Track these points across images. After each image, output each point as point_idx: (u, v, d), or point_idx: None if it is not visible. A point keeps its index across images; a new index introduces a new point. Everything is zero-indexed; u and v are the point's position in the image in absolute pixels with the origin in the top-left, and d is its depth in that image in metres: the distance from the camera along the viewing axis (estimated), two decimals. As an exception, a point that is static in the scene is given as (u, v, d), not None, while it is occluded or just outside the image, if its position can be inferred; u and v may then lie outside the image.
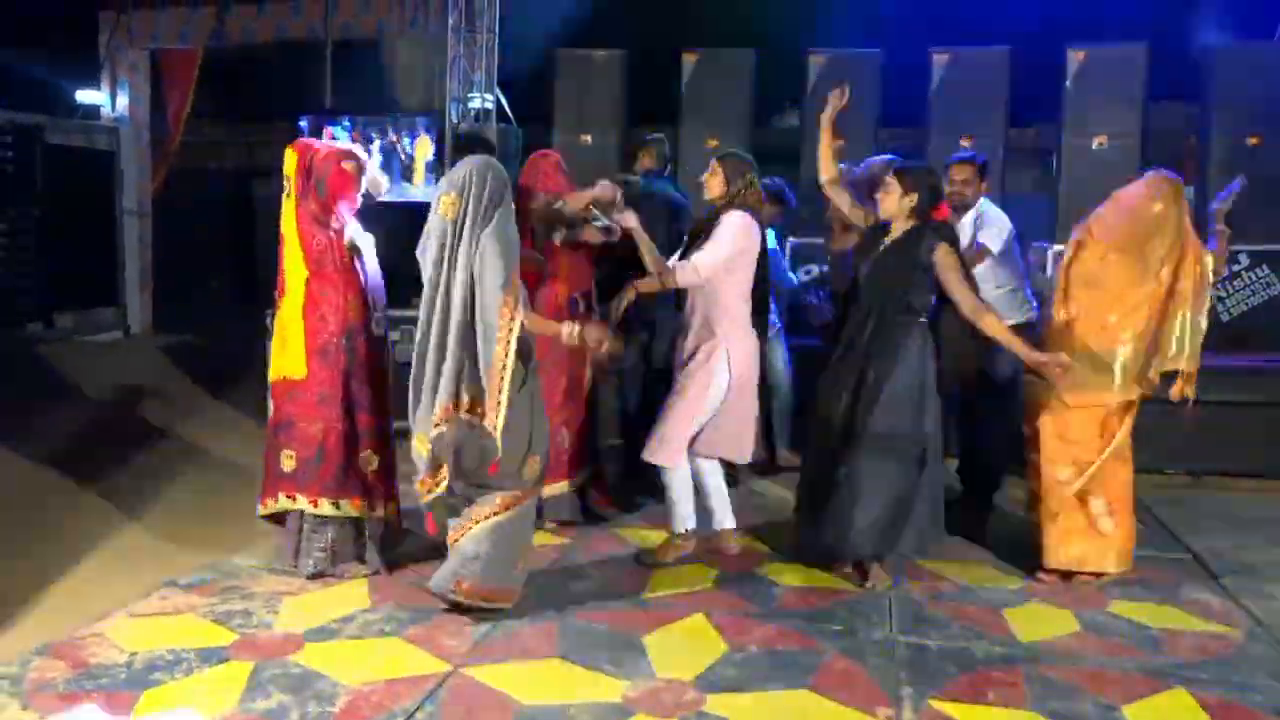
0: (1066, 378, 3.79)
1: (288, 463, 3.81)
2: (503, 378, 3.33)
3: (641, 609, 3.66)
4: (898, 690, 3.05)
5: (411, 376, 3.45)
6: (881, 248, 3.86)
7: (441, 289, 3.39)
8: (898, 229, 3.84)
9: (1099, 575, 3.96)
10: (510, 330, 3.32)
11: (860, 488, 3.74)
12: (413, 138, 7.11)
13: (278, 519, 3.95)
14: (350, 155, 3.88)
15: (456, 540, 3.49)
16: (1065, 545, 3.95)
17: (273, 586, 3.80)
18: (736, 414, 4.05)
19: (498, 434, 3.34)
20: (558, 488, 4.41)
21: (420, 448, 3.43)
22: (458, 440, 3.38)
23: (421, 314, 3.45)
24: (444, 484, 3.43)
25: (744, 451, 4.15)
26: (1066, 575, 3.98)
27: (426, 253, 3.45)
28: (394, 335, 4.25)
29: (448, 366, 3.37)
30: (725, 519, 4.20)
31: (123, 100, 9.13)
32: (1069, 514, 3.94)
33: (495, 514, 3.45)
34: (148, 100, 9.38)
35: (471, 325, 3.37)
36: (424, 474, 3.46)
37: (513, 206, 3.48)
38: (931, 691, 3.04)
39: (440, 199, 3.42)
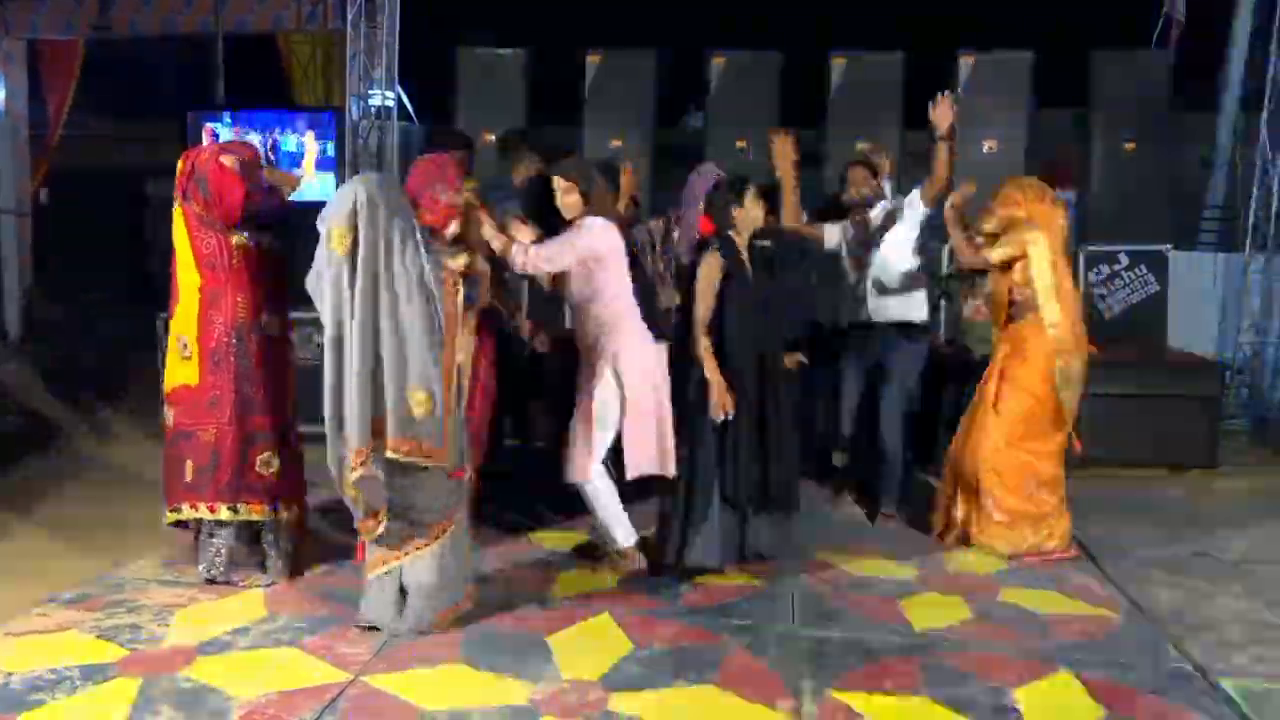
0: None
1: (189, 472, 3.71)
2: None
3: (546, 610, 3.64)
4: (798, 682, 3.11)
5: (326, 416, 3.23)
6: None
7: (347, 330, 3.17)
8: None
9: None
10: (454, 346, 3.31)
11: None
12: (300, 135, 6.93)
13: (184, 524, 3.83)
14: (230, 150, 3.74)
15: (383, 568, 3.37)
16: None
17: (162, 599, 3.66)
18: (640, 426, 3.87)
19: (447, 460, 3.29)
20: None
21: (347, 491, 3.24)
22: (389, 482, 3.26)
23: (328, 357, 3.20)
24: (383, 526, 3.30)
25: (663, 465, 3.90)
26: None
27: (322, 294, 3.19)
28: (293, 336, 4.14)
29: (355, 413, 3.16)
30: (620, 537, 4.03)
31: (-2, 93, 8.68)
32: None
33: (436, 538, 3.37)
34: (25, 94, 8.95)
35: (378, 365, 3.19)
36: (361, 518, 3.30)
37: (412, 220, 3.28)
38: (831, 682, 3.11)
39: (330, 231, 3.17)
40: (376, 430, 3.20)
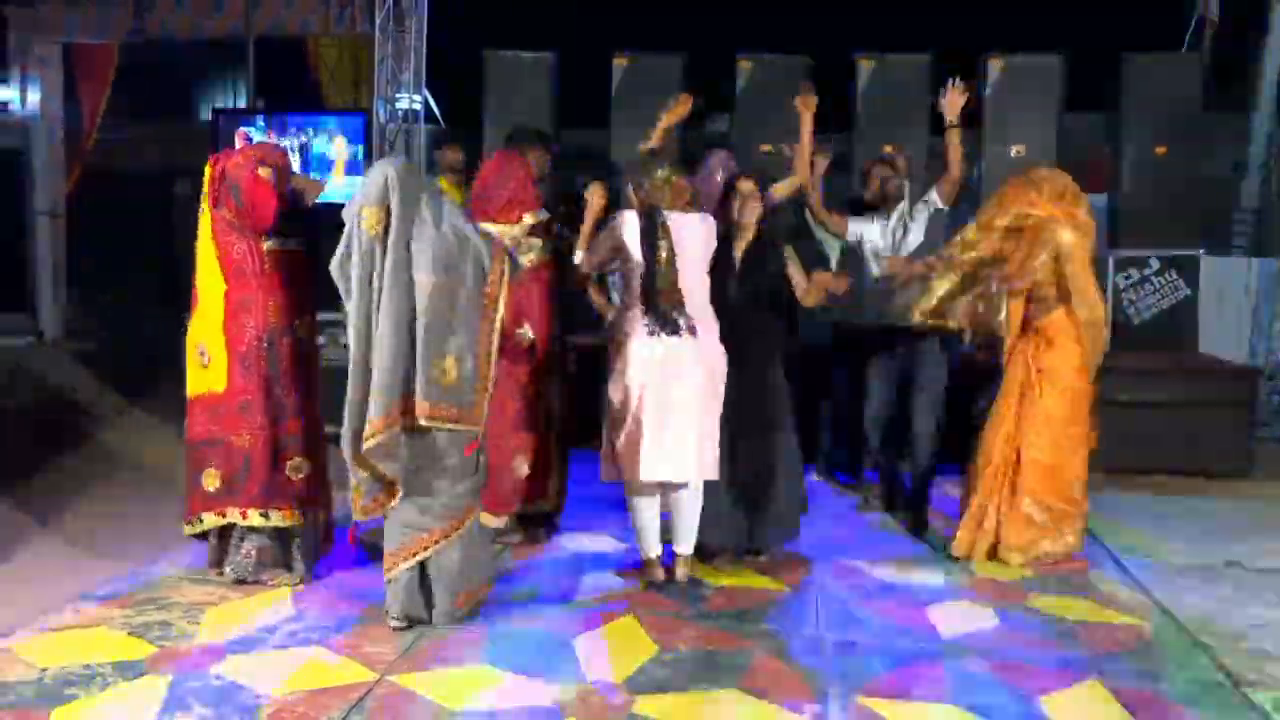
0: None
1: (210, 481, 3.74)
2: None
3: (571, 612, 3.65)
4: (825, 688, 3.09)
5: (348, 395, 3.28)
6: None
7: (374, 307, 3.23)
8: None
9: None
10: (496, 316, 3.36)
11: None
12: (331, 138, 7.00)
13: (204, 536, 3.86)
14: (267, 160, 3.76)
15: (403, 564, 3.39)
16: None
17: (193, 596, 3.70)
18: (634, 431, 3.74)
19: (481, 424, 3.37)
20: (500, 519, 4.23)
21: (359, 468, 3.28)
22: (408, 445, 3.29)
23: (352, 339, 3.26)
24: (397, 500, 3.33)
25: (659, 470, 3.74)
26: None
27: (349, 277, 3.25)
28: (320, 339, 4.18)
29: (379, 382, 3.21)
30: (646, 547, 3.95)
31: (33, 96, 8.83)
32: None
33: (455, 529, 3.40)
34: (61, 97, 9.09)
35: (412, 335, 3.24)
36: (373, 496, 3.32)
37: (442, 199, 3.39)
38: (858, 688, 3.09)
39: (362, 212, 3.24)
40: (405, 407, 3.26)
